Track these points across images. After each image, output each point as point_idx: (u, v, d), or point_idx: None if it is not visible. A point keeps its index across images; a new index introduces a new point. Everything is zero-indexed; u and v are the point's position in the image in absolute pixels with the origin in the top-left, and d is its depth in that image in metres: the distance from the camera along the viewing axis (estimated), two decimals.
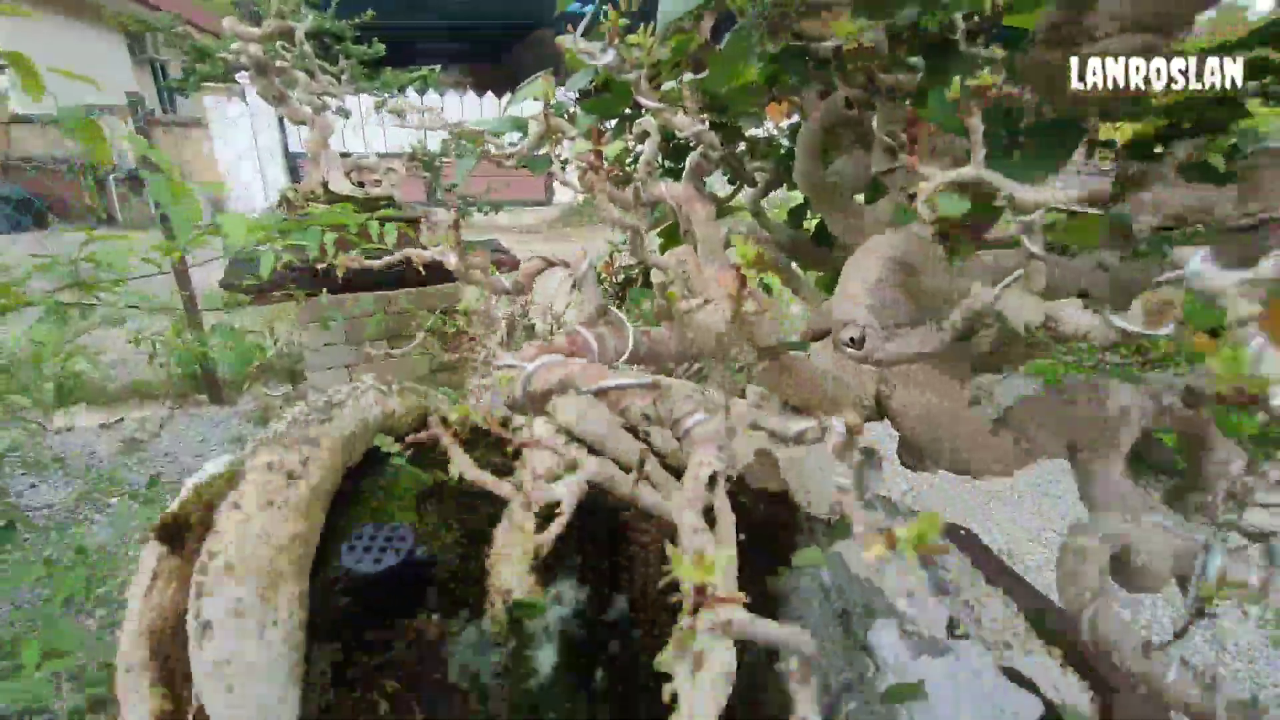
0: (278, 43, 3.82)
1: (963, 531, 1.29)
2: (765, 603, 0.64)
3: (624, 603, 0.55)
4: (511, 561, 0.59)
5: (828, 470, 0.84)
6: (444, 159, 4.29)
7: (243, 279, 2.86)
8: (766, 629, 0.36)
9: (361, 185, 4.08)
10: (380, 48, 3.97)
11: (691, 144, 0.90)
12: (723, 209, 1.54)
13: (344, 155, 4.03)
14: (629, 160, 1.32)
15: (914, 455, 0.98)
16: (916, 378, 0.93)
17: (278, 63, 3.71)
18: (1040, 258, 0.52)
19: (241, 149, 9.26)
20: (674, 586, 0.38)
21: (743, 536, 0.69)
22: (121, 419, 4.15)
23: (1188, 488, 0.98)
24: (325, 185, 3.93)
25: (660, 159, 1.36)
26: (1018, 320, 0.56)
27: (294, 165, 9.14)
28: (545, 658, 0.53)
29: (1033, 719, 0.72)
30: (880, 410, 0.96)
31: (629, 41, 0.67)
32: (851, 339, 0.67)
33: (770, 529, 0.71)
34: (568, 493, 0.46)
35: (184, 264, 3.88)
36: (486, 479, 0.48)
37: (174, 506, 0.54)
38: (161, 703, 0.48)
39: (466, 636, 0.52)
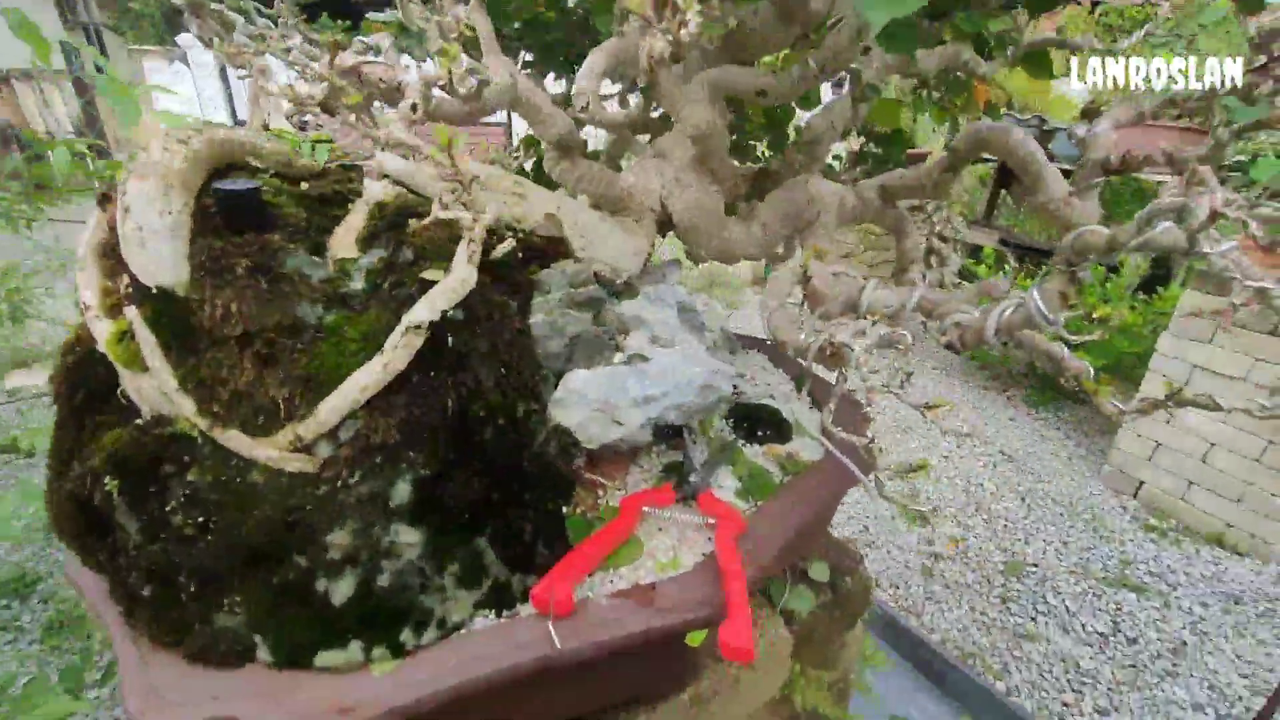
0: None
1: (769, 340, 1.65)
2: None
3: (410, 253, 0.86)
4: (344, 241, 0.89)
5: (595, 230, 1.16)
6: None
7: None
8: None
9: (303, 128, 4.22)
10: None
11: None
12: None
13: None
14: None
15: (693, 247, 1.30)
16: (686, 182, 1.24)
17: (213, 5, 3.83)
18: None
19: (183, 108, 9.17)
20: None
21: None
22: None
23: (900, 266, 1.34)
24: (266, 126, 4.08)
25: None
26: None
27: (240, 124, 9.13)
28: (358, 278, 0.84)
29: (728, 381, 1.06)
30: (666, 212, 1.28)
31: None
32: (583, 106, 0.98)
33: (550, 254, 1.02)
34: (393, 167, 0.76)
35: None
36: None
37: (106, 188, 0.83)
38: (104, 283, 0.78)
39: (302, 260, 0.82)
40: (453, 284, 0.80)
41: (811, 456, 1.17)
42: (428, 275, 0.82)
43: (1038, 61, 1.50)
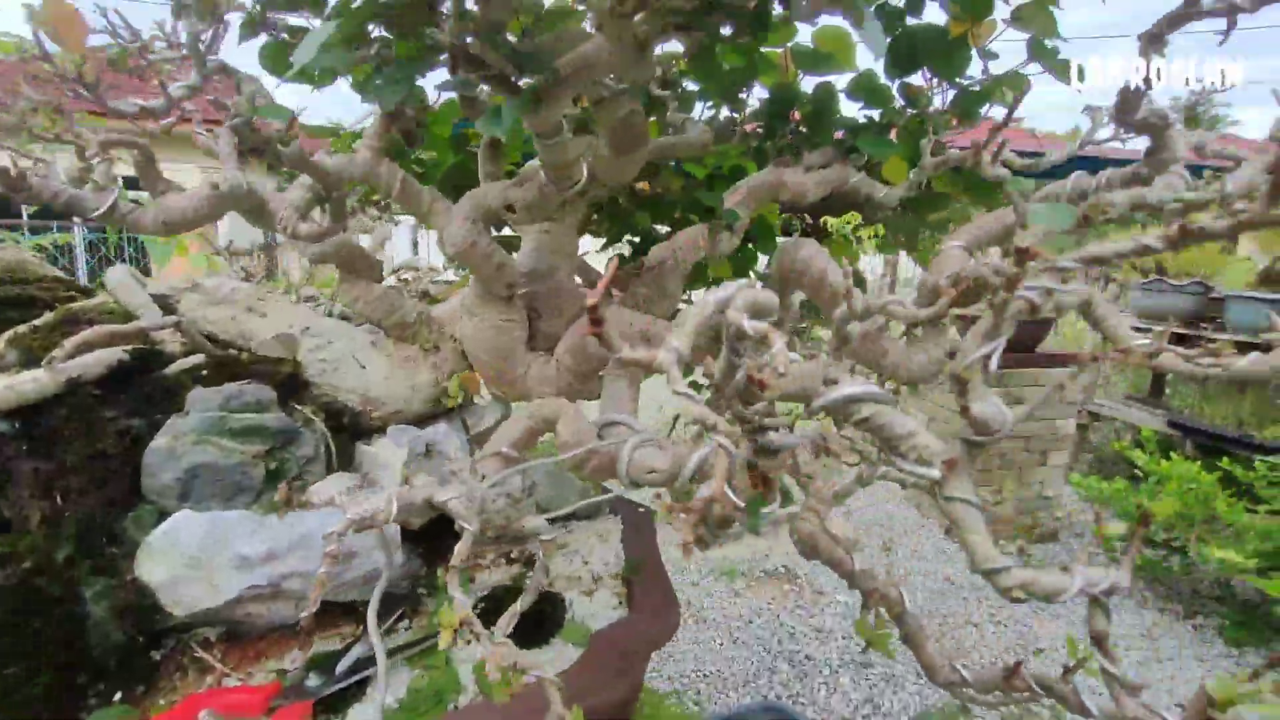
0: None
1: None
2: None
3: (14, 357, 0.78)
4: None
5: (351, 357, 1.01)
6: None
7: None
8: None
9: (405, 281, 4.83)
10: None
11: None
12: None
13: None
14: None
15: (487, 383, 1.10)
16: (473, 309, 1.07)
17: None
18: None
19: None
20: None
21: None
22: None
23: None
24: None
25: None
26: None
27: None
28: None
29: (395, 550, 0.80)
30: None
31: None
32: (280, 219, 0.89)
33: (265, 376, 0.90)
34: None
35: None
36: None
37: None
38: None
39: None
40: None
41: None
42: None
43: (976, 187, 1.21)
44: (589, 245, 1.66)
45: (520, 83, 0.66)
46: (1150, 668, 3.41)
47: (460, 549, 0.56)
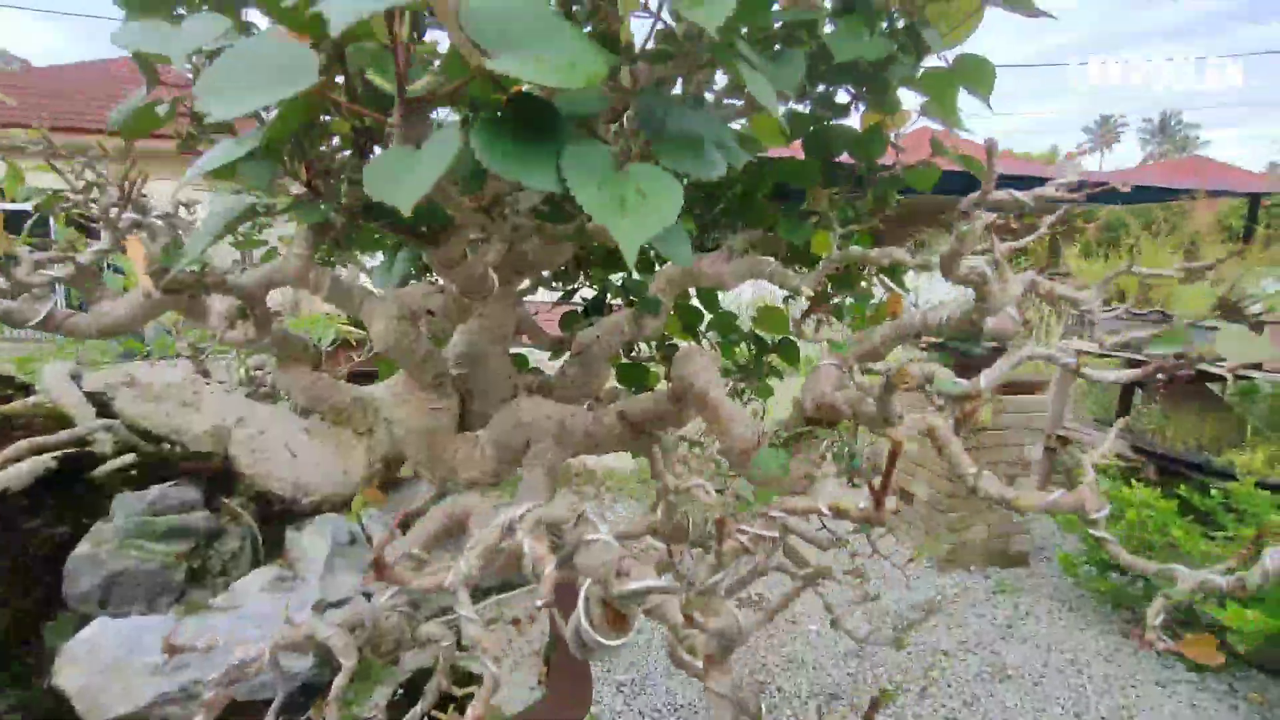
0: None
1: None
2: None
3: None
4: None
5: (282, 446, 1.06)
6: None
7: None
8: None
9: None
10: None
11: None
12: None
13: None
14: None
15: (414, 465, 1.15)
16: (402, 395, 1.13)
17: None
18: None
19: None
20: None
21: None
22: None
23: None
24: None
25: None
26: None
27: None
28: None
29: (307, 658, 0.84)
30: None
31: None
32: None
33: (193, 471, 0.94)
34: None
35: None
36: None
37: None
38: None
39: None
40: None
41: None
42: None
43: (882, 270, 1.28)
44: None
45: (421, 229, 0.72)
46: (1113, 693, 3.47)
47: (338, 683, 0.60)
